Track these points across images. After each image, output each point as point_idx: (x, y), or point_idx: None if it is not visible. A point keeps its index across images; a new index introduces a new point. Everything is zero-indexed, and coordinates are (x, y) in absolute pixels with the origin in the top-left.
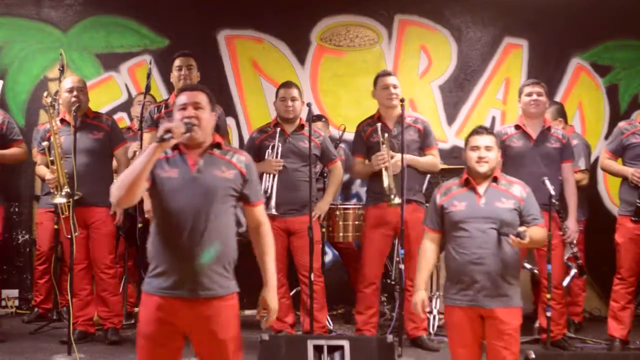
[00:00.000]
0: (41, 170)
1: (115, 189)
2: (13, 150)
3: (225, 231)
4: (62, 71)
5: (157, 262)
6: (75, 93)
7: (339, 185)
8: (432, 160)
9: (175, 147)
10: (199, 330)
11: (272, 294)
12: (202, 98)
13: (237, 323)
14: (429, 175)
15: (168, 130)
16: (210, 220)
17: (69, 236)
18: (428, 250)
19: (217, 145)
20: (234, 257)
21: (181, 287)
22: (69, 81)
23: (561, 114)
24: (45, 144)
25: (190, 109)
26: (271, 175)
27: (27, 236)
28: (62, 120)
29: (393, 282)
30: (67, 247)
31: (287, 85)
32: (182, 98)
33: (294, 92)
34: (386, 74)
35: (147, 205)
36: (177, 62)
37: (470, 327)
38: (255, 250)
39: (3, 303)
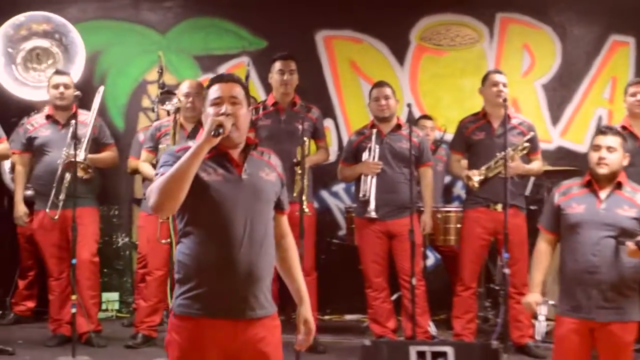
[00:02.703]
0: (145, 167)
1: (155, 194)
2: (104, 155)
3: (273, 240)
4: (160, 73)
5: (198, 280)
6: (190, 98)
7: (432, 190)
8: (538, 166)
9: (213, 147)
10: (249, 356)
11: (310, 312)
12: (239, 91)
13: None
14: (533, 178)
15: (220, 125)
16: (267, 228)
17: (164, 241)
18: (542, 252)
19: (255, 146)
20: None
21: (232, 308)
22: (185, 86)
23: None
24: (162, 147)
25: (227, 105)
26: (369, 178)
27: (126, 239)
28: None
29: (497, 287)
30: (157, 252)
31: (379, 84)
32: (216, 90)
33: (387, 91)
34: (497, 71)
35: (19, 210)
36: (278, 65)
37: (579, 342)
38: (280, 265)
39: (104, 306)
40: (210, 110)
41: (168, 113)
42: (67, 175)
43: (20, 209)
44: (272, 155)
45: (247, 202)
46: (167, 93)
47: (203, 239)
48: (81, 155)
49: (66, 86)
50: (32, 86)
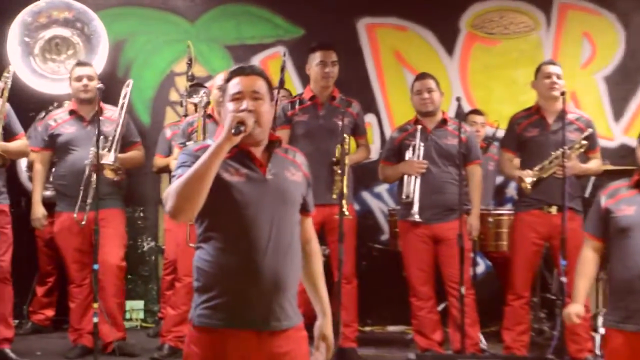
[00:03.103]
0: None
1: (173, 198)
2: (133, 154)
3: (299, 246)
4: (190, 65)
5: (219, 289)
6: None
7: (482, 190)
8: (597, 165)
9: (233, 146)
10: None
11: (330, 327)
12: (261, 85)
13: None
14: (593, 178)
15: (241, 122)
16: (293, 233)
17: (194, 245)
18: (587, 260)
19: (277, 142)
20: None
21: (256, 318)
22: (220, 78)
23: None
24: (190, 143)
25: (248, 100)
26: (413, 178)
27: (152, 243)
28: (210, 116)
29: (553, 297)
30: (186, 257)
31: (422, 76)
32: (237, 84)
33: (430, 83)
34: (550, 62)
35: (38, 212)
36: (318, 56)
37: (631, 357)
38: (303, 272)
39: (127, 315)
40: (230, 105)
41: (196, 107)
42: (95, 177)
43: (39, 210)
44: (297, 153)
45: (272, 205)
46: (196, 86)
47: (225, 244)
48: (111, 157)
49: (90, 78)
50: (50, 78)
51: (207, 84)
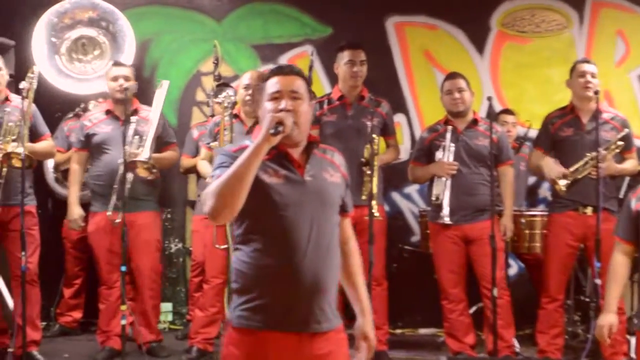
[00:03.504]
0: (204, 166)
1: (212, 199)
2: (168, 154)
3: (338, 248)
4: (216, 64)
5: (259, 291)
6: (250, 91)
7: (514, 191)
8: (633, 165)
9: (271, 147)
10: None
11: (371, 326)
12: (300, 85)
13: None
14: (627, 178)
15: (280, 122)
16: (333, 234)
17: (221, 246)
18: (618, 264)
19: (315, 142)
20: None
21: (296, 320)
22: (246, 77)
23: None
24: (214, 144)
25: (287, 100)
26: (443, 179)
27: (180, 245)
28: (236, 116)
29: (587, 299)
30: (214, 258)
31: (452, 76)
32: (275, 84)
33: (461, 83)
34: (585, 61)
35: (74, 212)
36: (347, 55)
37: None
38: (342, 271)
39: None
40: (268, 105)
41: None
42: (130, 176)
43: (76, 211)
44: (336, 153)
45: (311, 206)
46: (223, 85)
47: (264, 246)
48: (145, 154)
49: (126, 78)
50: (76, 79)
51: (233, 84)
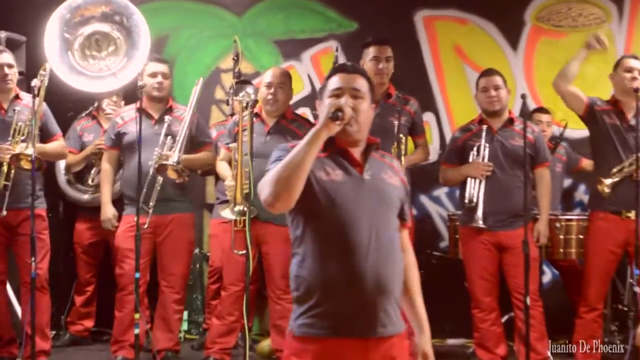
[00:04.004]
0: (222, 167)
1: (269, 185)
2: (200, 155)
3: (399, 251)
4: (236, 61)
5: (320, 295)
6: (272, 90)
7: (550, 194)
8: None
9: (329, 144)
10: None
11: (429, 341)
12: (362, 84)
13: None
14: None
15: (339, 109)
16: (393, 236)
17: (240, 252)
18: None
19: (374, 144)
20: None
21: (361, 325)
22: (268, 74)
23: None
24: (233, 145)
25: (348, 97)
26: (477, 181)
27: (196, 250)
28: (257, 115)
29: (626, 309)
30: (232, 264)
31: (488, 73)
32: (337, 80)
33: (497, 80)
34: (633, 56)
35: (108, 212)
36: (372, 51)
37: None
38: None
39: None
40: (328, 101)
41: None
42: (160, 179)
43: (109, 210)
44: (395, 159)
45: (371, 205)
46: (243, 83)
47: (323, 247)
48: (174, 157)
49: (165, 75)
50: (90, 76)
51: (254, 81)
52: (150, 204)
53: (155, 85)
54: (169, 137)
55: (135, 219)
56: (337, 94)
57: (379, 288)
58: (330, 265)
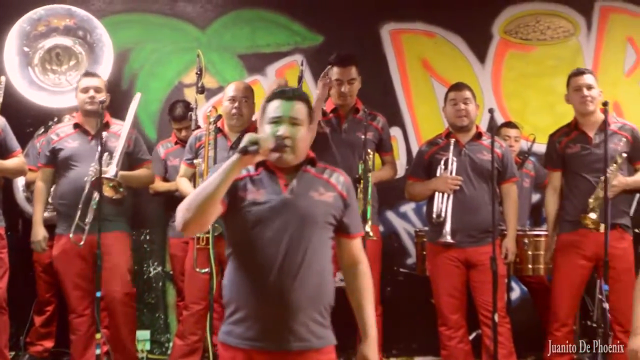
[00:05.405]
0: (184, 184)
1: (183, 211)
2: (139, 172)
3: (323, 268)
4: (199, 75)
5: (237, 305)
6: (236, 104)
7: (517, 211)
8: None
9: (261, 164)
10: None
11: (374, 349)
12: (300, 110)
13: None
14: (638, 195)
15: (255, 142)
16: (307, 253)
17: (202, 270)
18: None
19: (312, 162)
20: (332, 300)
21: (269, 338)
22: (231, 88)
23: None
24: (197, 161)
25: (286, 126)
26: (445, 196)
27: (159, 269)
28: (220, 130)
29: (594, 325)
30: (194, 283)
31: (458, 86)
32: (276, 108)
33: (467, 94)
34: (579, 72)
35: (38, 233)
36: (335, 73)
37: None
38: (350, 295)
39: None
40: (267, 128)
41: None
42: (96, 195)
43: (40, 231)
44: (336, 172)
45: (288, 224)
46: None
47: (241, 261)
48: (111, 171)
49: (97, 90)
50: (50, 91)
51: (217, 97)
52: (87, 220)
53: (87, 100)
54: (106, 154)
55: (71, 236)
56: (276, 121)
57: (283, 305)
58: (243, 278)
